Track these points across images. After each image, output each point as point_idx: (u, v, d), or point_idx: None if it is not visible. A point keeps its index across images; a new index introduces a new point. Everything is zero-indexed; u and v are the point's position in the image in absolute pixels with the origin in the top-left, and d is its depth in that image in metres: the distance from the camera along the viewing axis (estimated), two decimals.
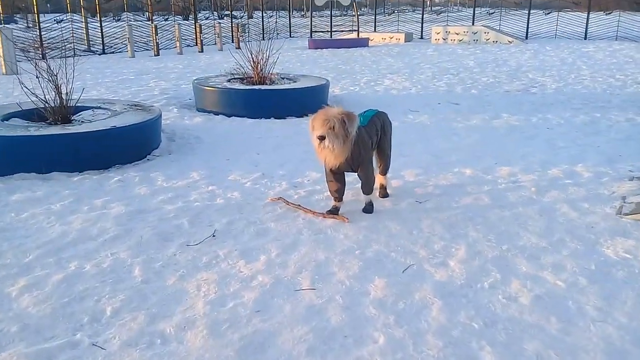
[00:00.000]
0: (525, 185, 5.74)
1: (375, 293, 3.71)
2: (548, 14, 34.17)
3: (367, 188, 5.03)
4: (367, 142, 4.96)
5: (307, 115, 9.33)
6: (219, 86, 9.96)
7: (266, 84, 10.18)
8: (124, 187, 5.91)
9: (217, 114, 9.82)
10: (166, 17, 37.72)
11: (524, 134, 8.14)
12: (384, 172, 5.45)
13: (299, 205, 5.20)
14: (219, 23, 26.25)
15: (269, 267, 4.09)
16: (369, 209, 5.07)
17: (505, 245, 4.36)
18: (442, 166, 6.50)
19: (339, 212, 5.01)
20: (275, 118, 9.50)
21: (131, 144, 6.87)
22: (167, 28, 26.77)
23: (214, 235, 4.66)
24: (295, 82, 10.59)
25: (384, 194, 5.51)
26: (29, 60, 8.83)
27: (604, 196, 5.36)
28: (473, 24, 29.80)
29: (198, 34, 24.46)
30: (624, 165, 6.39)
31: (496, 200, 5.36)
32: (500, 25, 30.67)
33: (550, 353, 3.05)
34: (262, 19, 31.18)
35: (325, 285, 3.83)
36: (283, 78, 10.90)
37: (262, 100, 9.74)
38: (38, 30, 19.70)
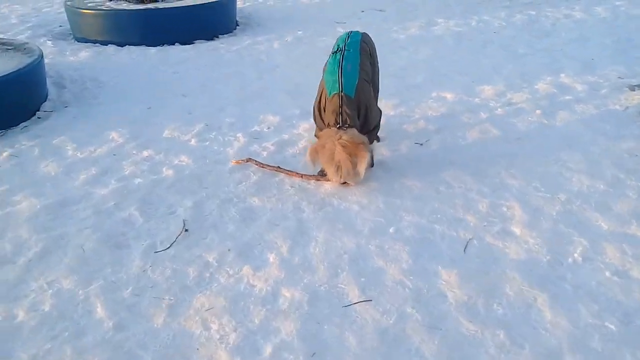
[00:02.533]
0: (524, 108, 4.91)
1: (454, 294, 2.73)
2: None
3: (373, 137, 3.89)
4: (369, 92, 3.80)
5: (217, 37, 7.80)
6: (102, 8, 7.95)
7: (159, 1, 8.30)
8: (22, 166, 4.29)
9: (105, 43, 7.91)
10: None
11: (475, 42, 7.30)
12: None
13: (278, 166, 3.95)
14: None
15: (289, 272, 2.98)
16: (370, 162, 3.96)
17: (561, 194, 3.52)
18: (415, 92, 5.49)
19: None
20: (181, 44, 7.81)
21: (12, 102, 5.07)
22: None
23: (186, 230, 3.35)
24: None
25: None
26: None
27: (619, 113, 4.69)
28: None
29: None
30: (607, 71, 5.79)
31: (505, 130, 4.49)
32: None
33: None
34: None
35: (381, 291, 2.79)
36: None
37: (161, 22, 7.96)
38: None
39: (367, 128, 3.82)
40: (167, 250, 3.19)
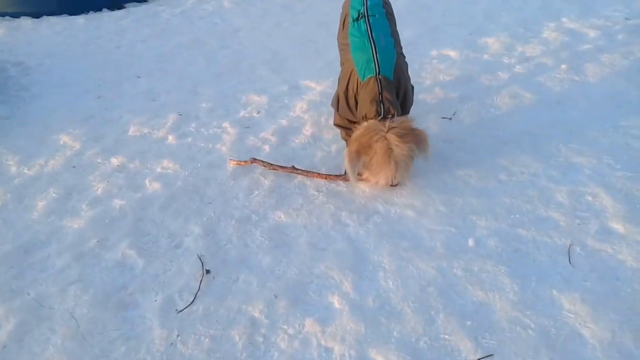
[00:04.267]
0: (546, 63, 4.31)
1: (591, 331, 2.15)
2: None
3: (407, 109, 3.16)
4: (406, 68, 3.12)
5: None
6: None
7: None
8: None
9: (16, 15, 6.60)
10: None
11: None
12: None
13: (293, 166, 3.17)
14: None
15: (370, 323, 2.32)
16: None
17: None
18: (412, 50, 4.77)
19: None
20: (109, 9, 6.61)
21: None
22: None
23: (207, 271, 2.53)
24: None
25: None
26: None
27: None
28: None
29: None
30: (609, 12, 5.28)
31: (538, 92, 3.88)
32: None
33: None
34: None
35: (499, 339, 2.14)
36: None
37: None
38: None
39: (405, 112, 3.07)
40: (193, 307, 2.36)
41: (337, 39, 3.45)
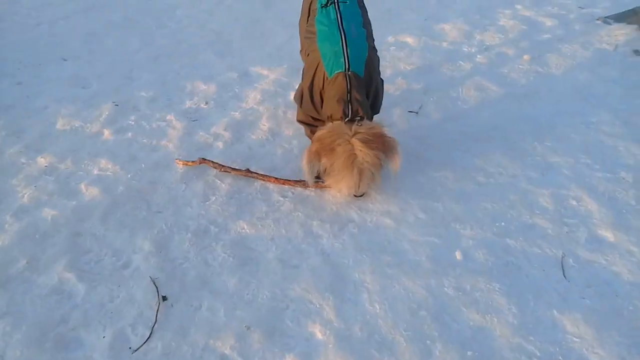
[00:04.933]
0: (507, 53, 4.17)
1: (599, 357, 1.92)
2: None
3: (377, 108, 2.87)
4: (377, 62, 2.84)
5: None
6: None
7: None
8: None
9: None
10: None
11: None
12: None
13: (247, 169, 2.83)
14: None
15: (361, 357, 1.99)
16: None
17: (622, 172, 2.86)
18: None
19: None
20: None
21: None
22: None
23: (164, 298, 2.17)
24: None
25: None
26: None
27: (611, 53, 4.09)
28: None
29: None
30: (562, 0, 5.13)
31: (503, 84, 3.74)
32: None
33: None
34: None
35: None
36: None
37: None
38: None
39: (375, 112, 2.78)
40: (150, 343, 1.99)
41: (299, 24, 3.10)
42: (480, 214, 2.62)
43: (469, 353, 1.98)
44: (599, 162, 2.94)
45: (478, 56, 4.13)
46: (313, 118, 2.76)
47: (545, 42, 4.30)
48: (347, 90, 2.46)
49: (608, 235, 2.48)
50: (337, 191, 2.64)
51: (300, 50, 3.22)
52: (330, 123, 2.51)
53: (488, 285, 2.24)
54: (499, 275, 2.29)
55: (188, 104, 3.59)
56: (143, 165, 2.98)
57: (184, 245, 2.47)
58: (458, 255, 2.39)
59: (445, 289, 2.23)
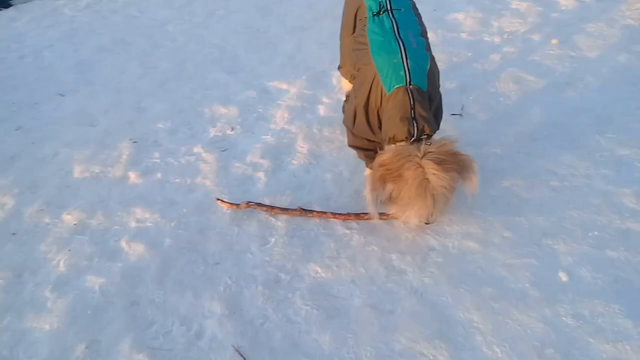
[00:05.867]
0: (530, 38, 4.00)
1: None
2: None
3: (438, 126, 2.61)
4: (438, 74, 2.56)
5: None
6: None
7: None
8: None
9: None
10: None
11: None
12: None
13: (300, 208, 2.59)
14: None
15: None
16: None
17: None
18: None
19: None
20: None
21: None
22: None
23: None
24: None
25: None
26: None
27: (638, 29, 3.88)
28: None
29: None
30: None
31: (540, 73, 3.59)
32: None
33: None
34: None
35: None
36: None
37: None
38: None
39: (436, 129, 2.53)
40: None
41: (340, 36, 2.83)
42: (568, 225, 2.42)
43: None
44: None
45: (503, 46, 3.91)
46: (368, 141, 2.50)
47: (567, 23, 4.11)
48: (411, 107, 2.20)
49: None
50: (405, 220, 2.38)
51: (341, 66, 2.95)
52: (394, 145, 2.25)
53: (607, 308, 2.04)
54: (614, 294, 2.09)
55: (212, 132, 3.29)
56: (185, 210, 2.69)
57: (257, 301, 2.20)
58: (563, 277, 2.19)
59: (564, 318, 2.02)
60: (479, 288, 2.18)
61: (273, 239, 2.50)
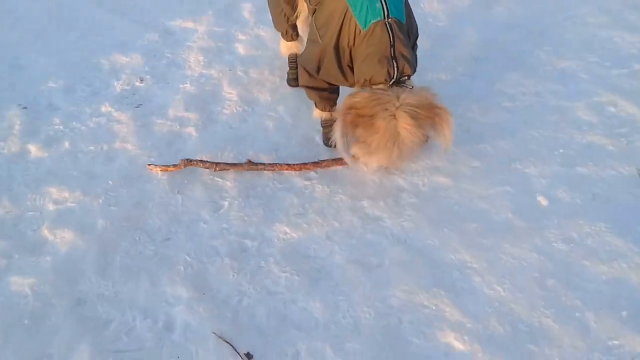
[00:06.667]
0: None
1: None
2: None
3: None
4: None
5: None
6: None
7: None
8: None
9: None
10: None
11: None
12: None
13: (248, 161, 2.31)
14: None
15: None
16: None
17: (636, 65, 2.69)
18: None
19: None
20: None
21: None
22: None
23: (249, 356, 1.69)
24: None
25: None
26: None
27: None
28: None
29: None
30: None
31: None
32: None
33: None
34: None
35: None
36: None
37: None
38: None
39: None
40: None
41: None
42: (533, 146, 2.36)
43: (624, 313, 1.73)
44: (607, 59, 2.79)
45: None
46: (329, 83, 2.22)
47: None
48: (390, 44, 1.94)
49: None
50: (365, 165, 2.18)
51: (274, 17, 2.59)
52: (369, 88, 2.00)
53: (594, 228, 2.02)
54: (595, 212, 2.07)
55: (118, 86, 2.83)
56: (110, 183, 2.29)
57: (227, 276, 1.93)
58: (542, 201, 2.14)
59: (555, 244, 1.97)
60: (462, 225, 2.05)
61: (226, 203, 2.19)
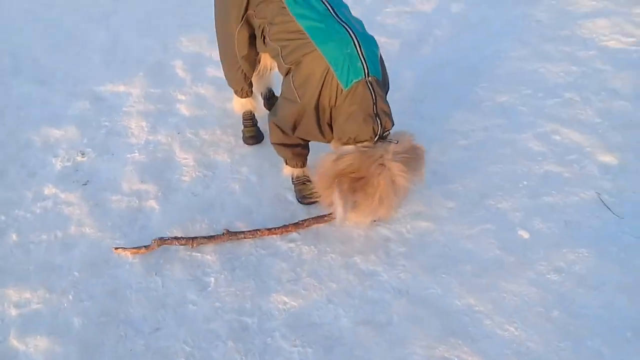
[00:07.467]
0: (362, 0, 3.94)
1: None
2: None
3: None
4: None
5: None
6: None
7: None
8: None
9: None
10: None
11: None
12: None
13: (226, 231, 2.25)
14: None
15: None
16: None
17: (567, 94, 2.96)
18: None
19: None
20: None
21: None
22: None
23: None
24: None
25: None
26: None
27: None
28: None
29: None
30: None
31: (391, 34, 3.53)
32: None
33: None
34: None
35: None
36: None
37: None
38: None
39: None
40: None
41: (218, 26, 2.39)
42: (498, 180, 2.46)
43: (628, 334, 1.83)
44: (538, 90, 2.99)
45: None
46: (303, 140, 2.19)
47: None
48: (373, 102, 1.95)
49: (609, 158, 2.51)
50: (359, 223, 2.19)
51: (227, 73, 2.51)
52: (354, 146, 1.99)
53: (577, 255, 2.12)
54: (573, 239, 2.19)
55: (57, 162, 2.61)
56: (76, 274, 2.08)
57: (234, 358, 1.79)
58: (524, 234, 2.23)
59: (548, 276, 2.06)
60: (457, 268, 2.08)
61: (211, 279, 2.07)
